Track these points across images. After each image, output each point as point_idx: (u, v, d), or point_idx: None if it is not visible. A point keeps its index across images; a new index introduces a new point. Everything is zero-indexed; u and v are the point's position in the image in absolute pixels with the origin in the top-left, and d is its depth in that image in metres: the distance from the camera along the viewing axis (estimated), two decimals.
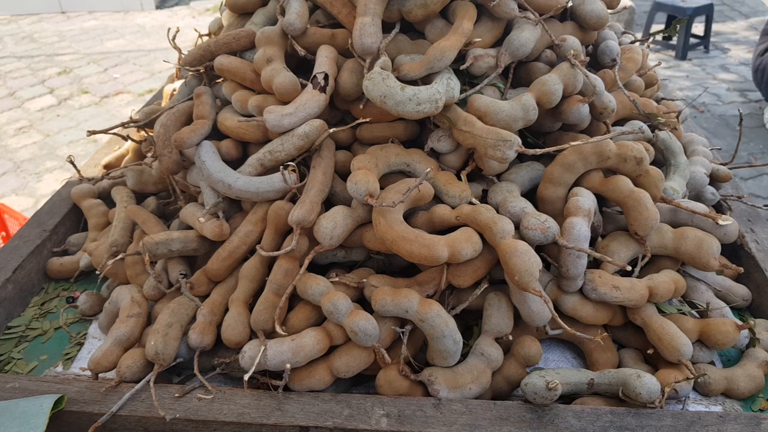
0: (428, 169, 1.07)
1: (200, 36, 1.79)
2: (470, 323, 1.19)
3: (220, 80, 1.43)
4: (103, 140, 1.87)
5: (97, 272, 1.35)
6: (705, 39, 6.44)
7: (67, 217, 1.60)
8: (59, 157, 4.71)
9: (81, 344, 1.28)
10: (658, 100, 1.71)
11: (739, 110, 1.33)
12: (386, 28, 1.26)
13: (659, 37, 6.48)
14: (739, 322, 1.13)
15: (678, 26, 1.41)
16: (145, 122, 1.46)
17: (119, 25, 8.16)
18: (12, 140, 5.04)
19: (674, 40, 6.40)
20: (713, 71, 6.05)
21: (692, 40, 6.40)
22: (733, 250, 1.39)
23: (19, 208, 3.90)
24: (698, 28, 6.54)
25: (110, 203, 1.59)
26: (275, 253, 1.12)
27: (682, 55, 6.27)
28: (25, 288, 1.41)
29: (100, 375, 1.12)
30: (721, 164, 1.55)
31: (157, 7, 8.81)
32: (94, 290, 1.39)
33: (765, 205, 1.50)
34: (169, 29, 1.57)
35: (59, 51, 7.13)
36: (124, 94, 5.92)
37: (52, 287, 1.46)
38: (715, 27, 6.85)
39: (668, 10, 6.04)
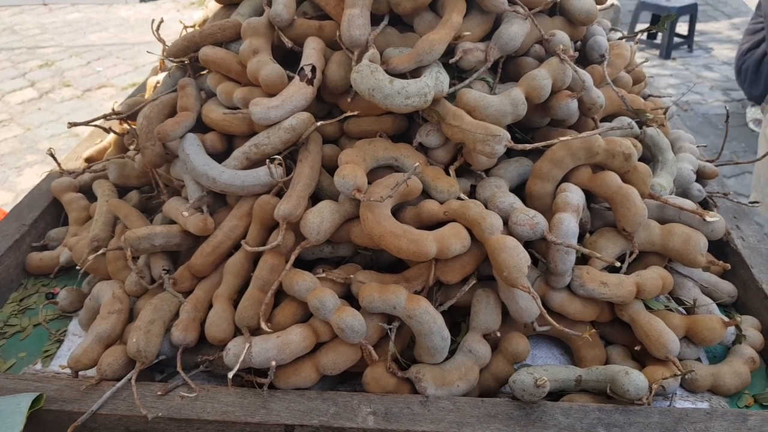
0: (416, 164, 1.06)
1: (185, 27, 1.76)
2: (458, 320, 1.18)
3: (204, 72, 1.41)
4: (85, 134, 1.84)
5: (77, 267, 1.32)
6: (689, 38, 6.50)
7: (47, 211, 1.56)
8: (40, 150, 4.63)
9: (61, 341, 1.25)
10: (645, 97, 1.71)
11: (725, 107, 1.34)
12: (375, 20, 1.25)
13: (644, 36, 6.52)
14: (726, 319, 1.13)
15: (666, 23, 1.41)
16: (128, 114, 1.43)
17: (102, 17, 8.03)
18: None
19: (659, 40, 6.45)
20: (697, 70, 6.11)
21: (676, 40, 6.46)
22: (720, 247, 1.39)
23: None
24: (682, 27, 6.60)
25: (91, 197, 1.55)
26: (261, 249, 1.10)
27: (666, 54, 6.32)
28: (4, 284, 1.37)
29: (80, 373, 1.10)
30: (707, 161, 1.55)
31: (142, 0, 8.69)
32: (74, 286, 1.36)
33: (750, 203, 1.51)
34: (153, 20, 1.53)
35: (41, 43, 7.01)
36: (107, 87, 5.83)
37: (31, 283, 1.43)
38: (698, 27, 6.92)
39: (653, 9, 6.09)
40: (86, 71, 6.22)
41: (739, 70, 4.69)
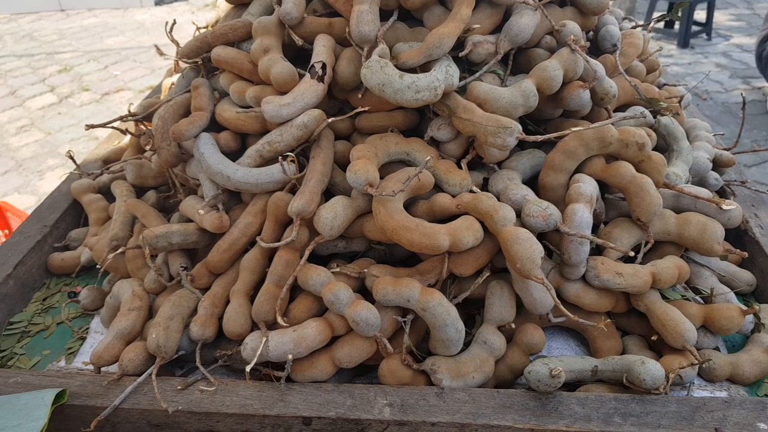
0: (428, 158, 1.06)
1: (198, 29, 1.78)
2: (472, 312, 1.18)
3: (217, 72, 1.42)
4: (104, 137, 1.88)
5: (97, 267, 1.34)
6: (707, 26, 6.40)
7: (68, 213, 1.59)
8: (61, 155, 4.72)
9: (83, 339, 1.28)
10: (660, 86, 1.69)
11: (742, 94, 1.32)
12: (384, 15, 1.25)
13: (661, 25, 6.43)
14: (744, 308, 1.12)
15: (680, 10, 1.39)
16: (144, 115, 1.45)
17: (119, 22, 8.14)
18: (14, 139, 5.04)
19: (676, 28, 6.36)
20: (716, 58, 6.02)
21: (694, 28, 6.36)
22: (737, 236, 1.38)
23: (21, 207, 3.91)
24: (700, 15, 6.49)
25: (110, 198, 1.58)
26: (275, 245, 1.12)
27: (684, 43, 6.23)
28: (27, 284, 1.41)
29: (102, 369, 1.12)
30: (724, 149, 1.53)
31: (157, 4, 8.79)
32: (95, 285, 1.38)
33: None
34: (167, 23, 1.56)
35: (59, 49, 7.13)
36: (124, 91, 5.91)
37: (53, 282, 1.46)
38: (717, 14, 6.80)
39: None
40: (104, 75, 6.31)
41: (759, 57, 4.60)
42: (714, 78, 5.57)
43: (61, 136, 5.04)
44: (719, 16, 7.01)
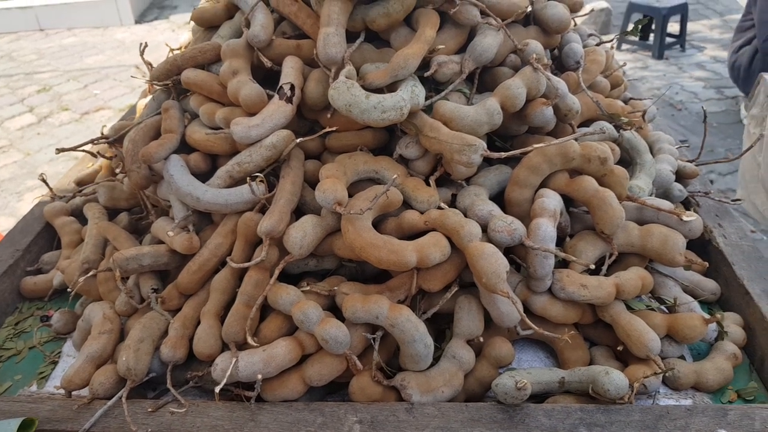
0: (394, 176, 1.08)
1: (171, 50, 1.79)
2: (442, 327, 1.20)
3: (188, 94, 1.43)
4: (81, 157, 1.87)
5: (68, 290, 1.34)
6: (681, 38, 6.53)
7: (41, 236, 1.59)
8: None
9: (55, 363, 1.27)
10: (626, 100, 1.73)
11: (702, 108, 1.36)
12: (351, 37, 1.28)
13: (636, 38, 6.54)
14: (707, 316, 1.15)
15: (639, 26, 1.44)
16: (115, 138, 1.46)
17: (98, 41, 8.11)
18: None
19: (651, 40, 6.48)
20: (689, 69, 6.13)
21: (668, 40, 6.49)
22: (702, 245, 1.41)
23: (0, 229, 3.87)
24: (674, 27, 6.63)
25: (83, 220, 1.58)
26: (245, 265, 1.13)
27: (658, 55, 6.35)
28: None
29: (74, 393, 1.12)
30: (688, 161, 1.57)
31: (137, 22, 8.77)
32: (68, 308, 1.38)
33: (733, 200, 1.52)
34: (140, 44, 1.57)
35: (38, 69, 7.08)
36: (104, 110, 5.88)
37: (26, 307, 1.45)
38: (690, 26, 6.95)
39: (643, 10, 6.12)
40: (84, 94, 6.27)
41: (732, 67, 4.73)
42: (688, 89, 5.67)
43: (40, 157, 5.00)
44: (692, 28, 7.16)
